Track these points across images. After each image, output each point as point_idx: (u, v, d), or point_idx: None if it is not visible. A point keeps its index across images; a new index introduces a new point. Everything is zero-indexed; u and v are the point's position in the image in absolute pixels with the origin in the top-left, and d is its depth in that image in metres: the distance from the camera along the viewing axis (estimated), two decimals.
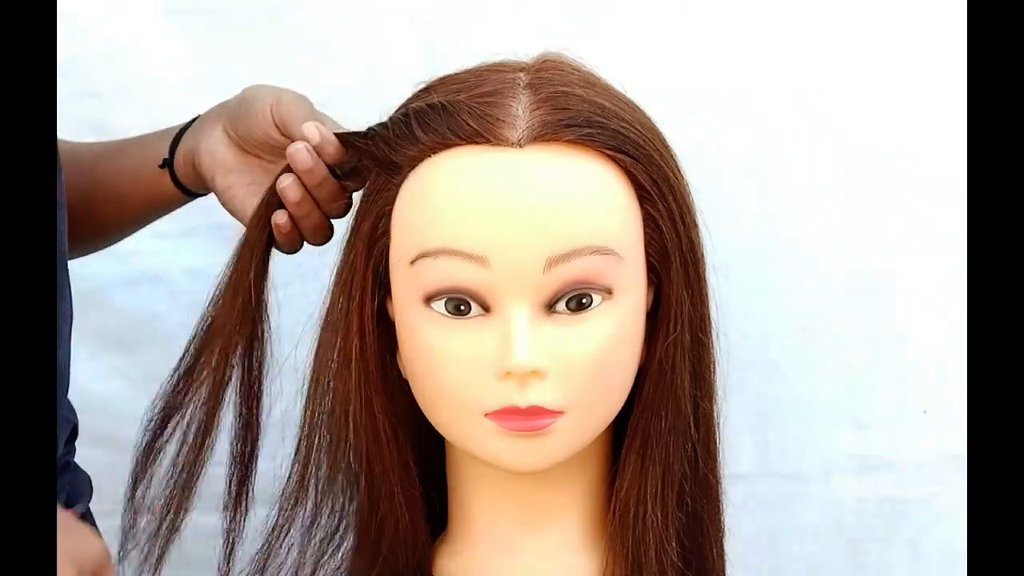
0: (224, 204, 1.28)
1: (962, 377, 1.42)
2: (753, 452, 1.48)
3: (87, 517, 1.31)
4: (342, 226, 1.21)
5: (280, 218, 1.19)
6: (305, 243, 1.23)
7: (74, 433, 1.32)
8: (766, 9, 1.49)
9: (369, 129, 1.15)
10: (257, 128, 1.24)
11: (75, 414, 1.31)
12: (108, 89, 1.53)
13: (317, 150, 1.18)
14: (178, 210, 1.40)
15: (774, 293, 1.50)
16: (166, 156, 1.31)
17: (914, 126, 1.50)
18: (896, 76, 1.49)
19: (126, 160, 1.34)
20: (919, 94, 1.49)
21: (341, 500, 1.18)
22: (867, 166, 1.50)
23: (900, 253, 1.50)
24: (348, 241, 1.17)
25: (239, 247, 1.20)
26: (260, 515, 1.22)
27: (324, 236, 1.22)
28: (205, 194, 1.32)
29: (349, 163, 1.17)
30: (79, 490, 1.31)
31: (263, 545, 1.19)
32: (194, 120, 1.31)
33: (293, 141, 1.20)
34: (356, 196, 1.21)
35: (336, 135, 1.17)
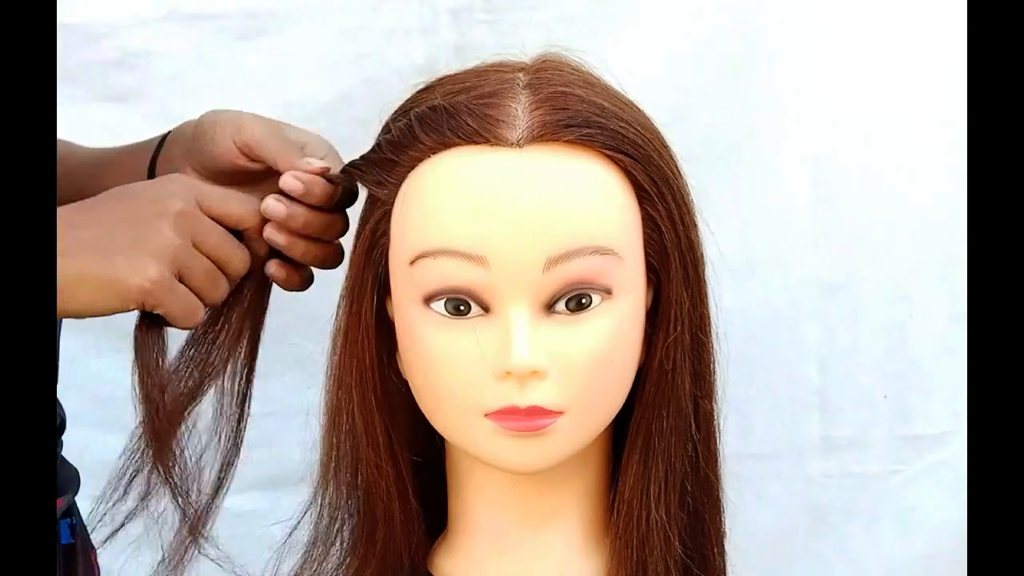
0: None
1: (917, 365, 1.44)
2: (735, 435, 1.33)
3: (73, 508, 1.18)
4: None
5: (271, 268, 1.05)
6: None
7: (61, 427, 1.19)
8: (744, 15, 1.41)
9: (353, 161, 1.02)
10: (223, 160, 1.07)
11: (63, 410, 1.18)
12: (122, 93, 1.42)
13: (303, 197, 1.02)
14: None
15: (754, 293, 1.43)
16: None
17: (882, 136, 1.42)
18: (868, 82, 1.41)
19: (110, 183, 1.16)
20: (889, 99, 1.42)
21: (339, 499, 1.04)
22: (837, 173, 1.44)
23: (863, 257, 1.44)
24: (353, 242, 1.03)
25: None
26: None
27: (335, 260, 1.06)
28: None
29: (344, 196, 1.04)
30: (67, 482, 1.17)
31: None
32: (162, 142, 1.13)
33: (261, 164, 1.05)
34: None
35: (323, 176, 1.02)
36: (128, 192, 1.02)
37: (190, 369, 1.06)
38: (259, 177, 1.05)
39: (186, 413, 1.06)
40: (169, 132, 1.12)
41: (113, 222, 0.99)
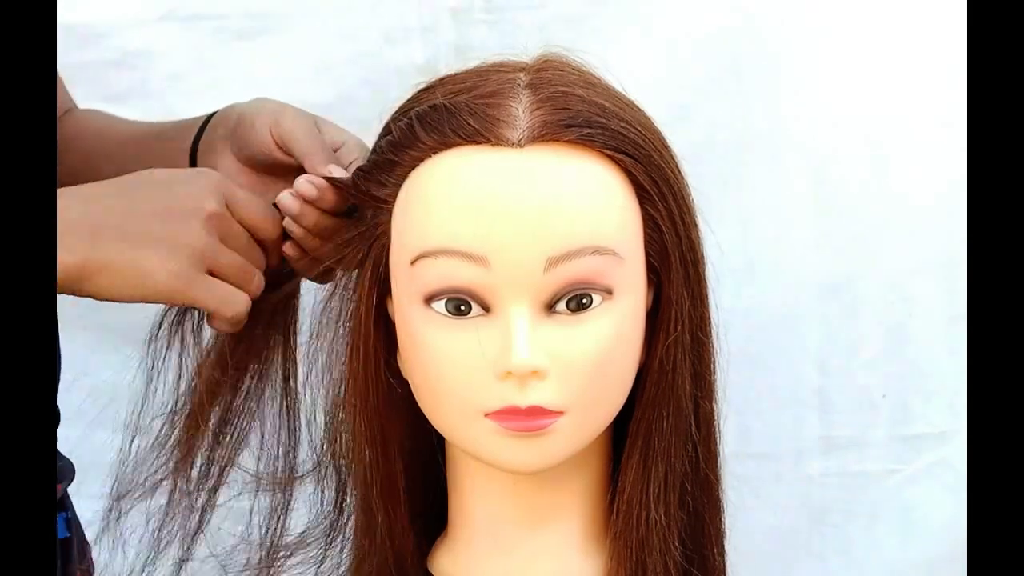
0: None
1: (917, 365, 1.44)
2: (734, 435, 1.33)
3: (66, 499, 1.18)
4: None
5: (288, 249, 1.06)
6: None
7: (56, 420, 1.18)
8: (744, 15, 1.40)
9: (362, 165, 1.02)
10: (258, 149, 1.08)
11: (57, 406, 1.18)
12: (122, 93, 1.40)
13: (316, 201, 1.03)
14: None
15: (754, 294, 1.42)
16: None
17: (882, 135, 1.42)
18: (868, 82, 1.41)
19: (153, 163, 1.16)
20: (889, 100, 1.41)
21: (339, 497, 1.05)
22: (837, 173, 1.43)
23: (863, 257, 1.43)
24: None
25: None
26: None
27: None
28: None
29: (352, 203, 1.03)
30: (61, 473, 1.17)
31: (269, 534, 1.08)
32: (207, 123, 1.14)
33: (294, 159, 1.06)
34: None
35: (329, 182, 1.03)
36: (162, 182, 1.02)
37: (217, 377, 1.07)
38: (292, 172, 1.06)
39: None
40: (215, 113, 1.13)
41: (146, 212, 0.99)
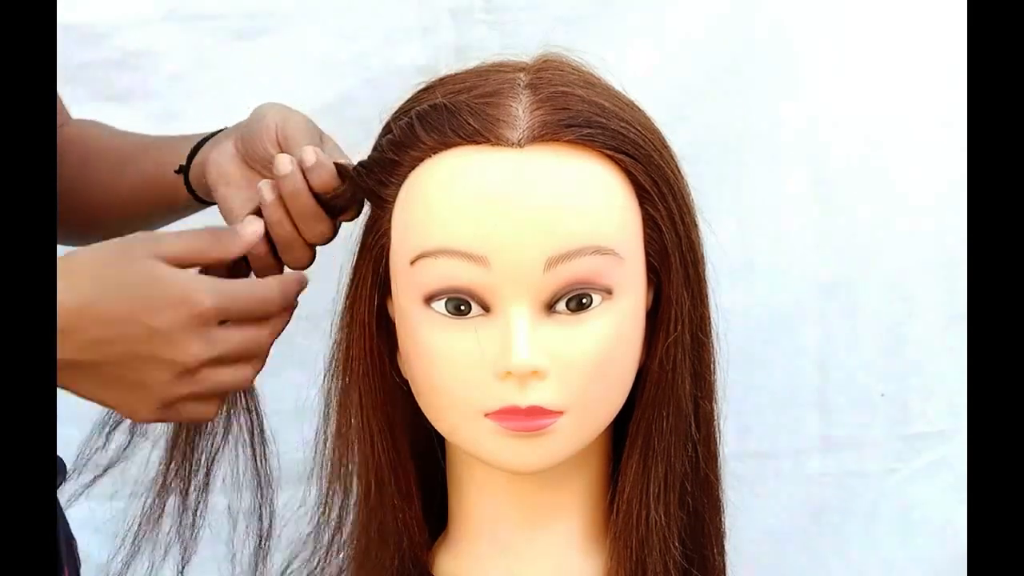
0: (222, 214, 1.11)
1: (916, 365, 1.44)
2: (734, 435, 1.33)
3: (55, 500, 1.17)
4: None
5: (250, 219, 1.03)
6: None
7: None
8: (743, 15, 1.40)
9: (363, 161, 1.01)
10: (259, 143, 1.08)
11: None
12: (123, 93, 1.41)
13: (308, 172, 1.02)
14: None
15: (754, 293, 1.42)
16: (183, 163, 1.15)
17: (882, 135, 1.41)
18: (867, 82, 1.41)
19: (151, 162, 1.19)
20: (889, 99, 1.41)
21: (339, 498, 1.04)
22: (837, 173, 1.43)
23: (863, 257, 1.43)
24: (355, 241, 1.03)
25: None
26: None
27: (298, 256, 1.04)
28: (215, 203, 1.16)
29: (343, 196, 1.02)
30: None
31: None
32: (219, 132, 1.15)
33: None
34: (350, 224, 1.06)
35: (336, 165, 1.02)
36: (135, 317, 0.95)
37: None
38: None
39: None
40: (223, 128, 1.14)
41: (121, 355, 0.95)
